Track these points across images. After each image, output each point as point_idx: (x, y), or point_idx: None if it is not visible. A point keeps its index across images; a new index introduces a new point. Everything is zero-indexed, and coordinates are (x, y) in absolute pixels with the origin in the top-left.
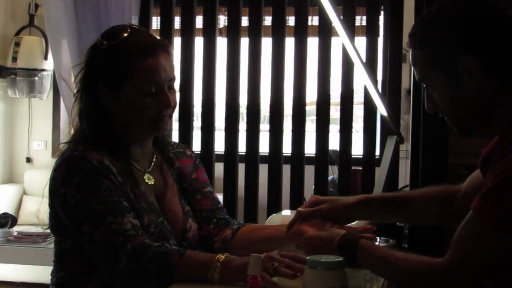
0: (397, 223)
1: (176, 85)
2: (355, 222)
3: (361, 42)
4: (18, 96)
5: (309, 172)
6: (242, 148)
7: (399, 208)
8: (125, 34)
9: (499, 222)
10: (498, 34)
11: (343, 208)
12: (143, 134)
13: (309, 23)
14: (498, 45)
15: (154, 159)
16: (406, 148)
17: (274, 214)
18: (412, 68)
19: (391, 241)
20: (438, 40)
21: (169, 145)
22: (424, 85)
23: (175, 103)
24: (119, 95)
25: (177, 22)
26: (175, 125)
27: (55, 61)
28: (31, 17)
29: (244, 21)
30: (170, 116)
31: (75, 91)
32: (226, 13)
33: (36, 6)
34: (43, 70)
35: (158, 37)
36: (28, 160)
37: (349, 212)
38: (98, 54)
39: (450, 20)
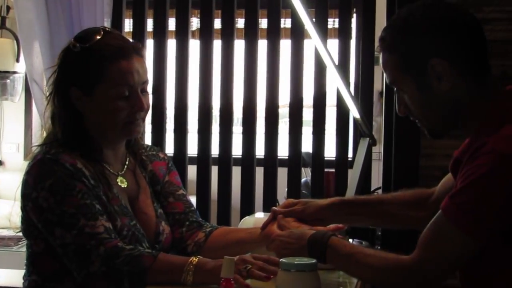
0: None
1: (149, 87)
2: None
3: (333, 44)
4: None
5: (282, 174)
6: (215, 150)
7: (372, 211)
8: (98, 37)
9: (465, 223)
10: (467, 38)
11: (316, 210)
12: (116, 137)
13: (282, 26)
14: (467, 49)
15: (127, 162)
16: (378, 150)
17: (247, 217)
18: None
19: (363, 242)
20: (408, 44)
21: (142, 148)
22: (395, 88)
23: (148, 106)
24: (92, 98)
25: (149, 24)
26: (148, 128)
27: (27, 64)
28: (3, 19)
29: (217, 24)
30: (143, 119)
31: (47, 93)
32: (198, 15)
33: (8, 8)
34: (15, 72)
35: (131, 40)
36: (0, 163)
37: (322, 213)
38: (71, 57)
39: (419, 23)
